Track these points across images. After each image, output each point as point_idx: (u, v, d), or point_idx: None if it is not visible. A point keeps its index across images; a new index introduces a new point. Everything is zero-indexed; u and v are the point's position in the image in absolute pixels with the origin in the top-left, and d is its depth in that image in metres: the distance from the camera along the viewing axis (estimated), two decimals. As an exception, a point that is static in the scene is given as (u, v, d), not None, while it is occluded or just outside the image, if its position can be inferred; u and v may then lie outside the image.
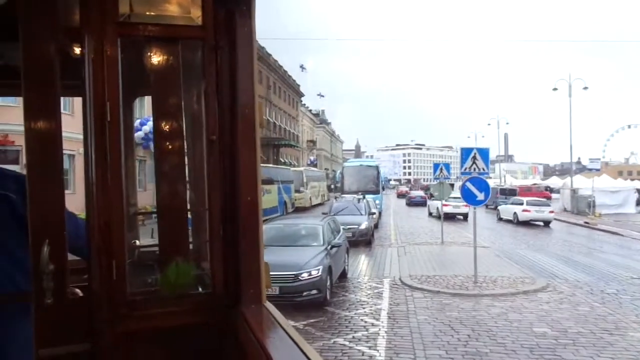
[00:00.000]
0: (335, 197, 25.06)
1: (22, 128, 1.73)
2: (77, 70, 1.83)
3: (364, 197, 22.56)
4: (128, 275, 1.80)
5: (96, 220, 1.76)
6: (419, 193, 54.35)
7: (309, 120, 76.38)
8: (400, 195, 65.33)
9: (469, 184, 12.46)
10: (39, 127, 1.73)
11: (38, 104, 1.72)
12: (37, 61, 1.70)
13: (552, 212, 29.21)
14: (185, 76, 1.97)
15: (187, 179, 2.23)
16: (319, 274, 9.76)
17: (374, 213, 22.73)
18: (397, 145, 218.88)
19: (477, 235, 13.15)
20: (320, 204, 41.77)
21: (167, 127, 1.95)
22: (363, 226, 18.79)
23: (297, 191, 36.81)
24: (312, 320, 9.16)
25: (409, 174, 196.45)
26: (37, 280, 1.67)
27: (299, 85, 66.88)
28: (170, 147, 1.95)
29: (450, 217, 28.94)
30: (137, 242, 2.57)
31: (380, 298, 11.01)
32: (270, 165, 38.91)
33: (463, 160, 12.91)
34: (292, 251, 10.72)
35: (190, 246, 2.17)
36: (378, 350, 7.63)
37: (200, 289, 2.05)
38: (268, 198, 28.05)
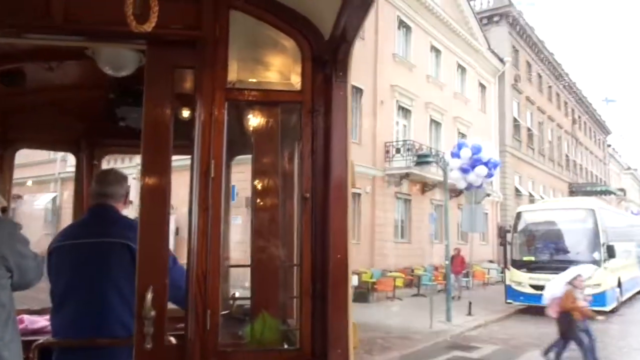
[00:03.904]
0: None
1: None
2: (186, 132, 2.02)
3: None
4: (221, 325, 1.87)
5: (194, 270, 1.86)
6: None
7: (615, 164, 59.29)
8: None
9: None
10: (152, 182, 1.90)
11: (153, 162, 1.91)
12: (156, 124, 1.90)
13: None
14: (282, 137, 2.09)
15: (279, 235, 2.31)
16: None
17: None
18: None
19: None
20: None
21: (265, 184, 2.06)
22: None
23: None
24: None
25: None
26: (139, 325, 1.78)
27: (604, 121, 52.05)
28: (266, 203, 2.04)
29: None
30: (237, 294, 2.65)
31: None
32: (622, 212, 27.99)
33: None
34: None
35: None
36: None
37: (285, 345, 2.06)
38: (628, 263, 16.40)
